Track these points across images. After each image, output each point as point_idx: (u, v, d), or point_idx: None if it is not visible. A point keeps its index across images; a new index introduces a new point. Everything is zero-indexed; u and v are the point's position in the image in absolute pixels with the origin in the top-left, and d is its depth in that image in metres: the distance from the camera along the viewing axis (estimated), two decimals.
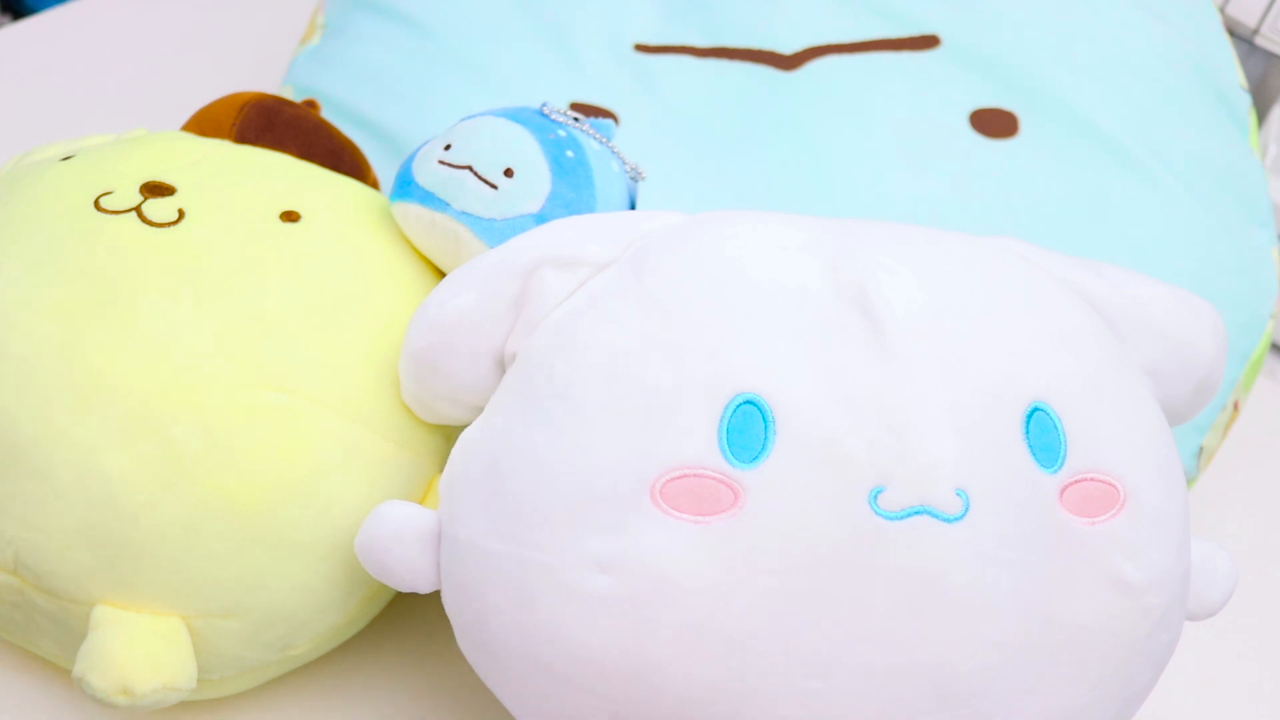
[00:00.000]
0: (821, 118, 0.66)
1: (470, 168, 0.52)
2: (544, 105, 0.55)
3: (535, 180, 0.52)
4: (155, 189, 0.52)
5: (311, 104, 0.60)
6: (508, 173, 0.52)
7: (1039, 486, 0.45)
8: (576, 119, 0.55)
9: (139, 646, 0.47)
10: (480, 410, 0.49)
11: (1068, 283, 0.50)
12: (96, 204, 0.51)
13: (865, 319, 0.45)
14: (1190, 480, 0.64)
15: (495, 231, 0.52)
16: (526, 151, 0.52)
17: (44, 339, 0.48)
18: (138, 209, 0.51)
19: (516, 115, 0.54)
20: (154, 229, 0.51)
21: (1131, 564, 0.46)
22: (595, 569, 0.44)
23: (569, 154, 0.53)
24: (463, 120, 0.54)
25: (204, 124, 0.58)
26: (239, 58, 0.87)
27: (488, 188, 0.52)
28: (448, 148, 0.53)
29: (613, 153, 0.55)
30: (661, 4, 0.71)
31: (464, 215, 0.52)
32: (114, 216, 0.51)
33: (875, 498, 0.43)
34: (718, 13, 0.70)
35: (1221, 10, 0.80)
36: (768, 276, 0.46)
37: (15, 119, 0.82)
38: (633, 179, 0.56)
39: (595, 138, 0.55)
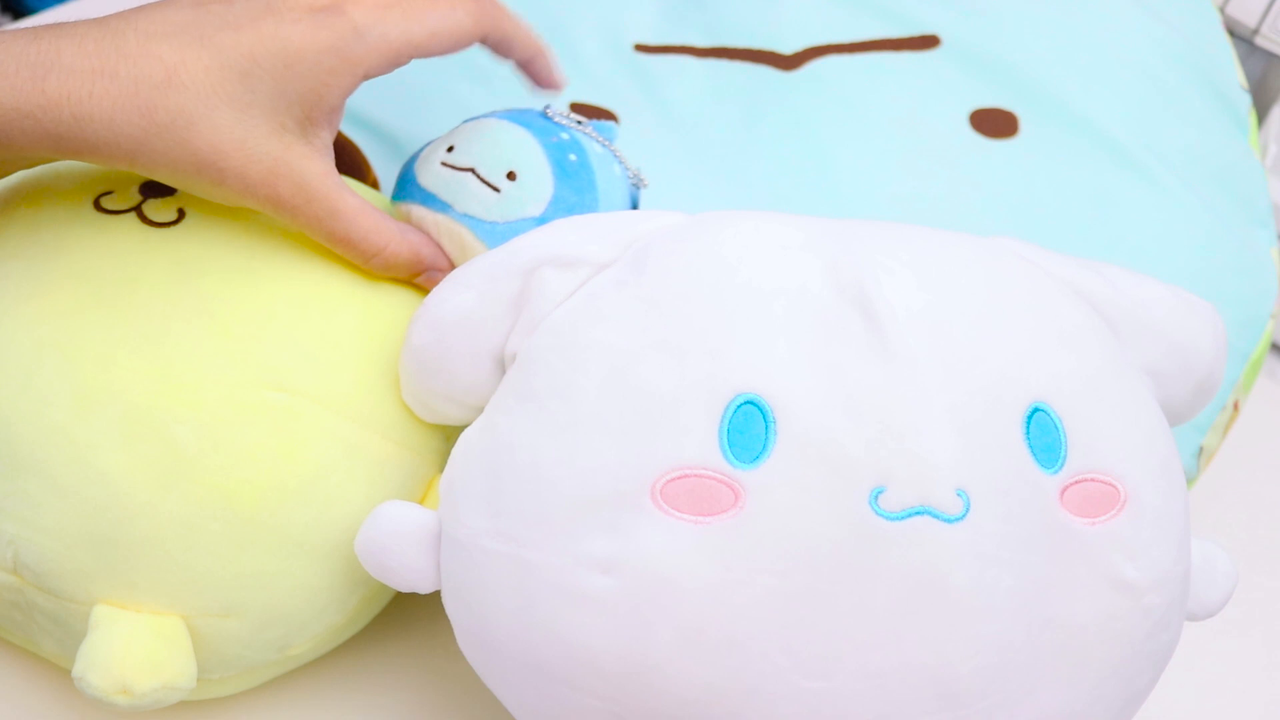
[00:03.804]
0: (821, 118, 0.66)
1: (473, 170, 0.52)
2: (547, 107, 0.55)
3: (538, 184, 0.52)
4: (155, 189, 0.52)
5: None
6: (510, 176, 0.52)
7: (1039, 487, 0.45)
8: (580, 122, 0.55)
9: (139, 646, 0.47)
10: (480, 410, 0.49)
11: (1068, 283, 0.50)
12: (96, 204, 0.51)
13: (865, 319, 0.45)
14: (1190, 480, 0.64)
15: (497, 234, 0.52)
16: (529, 155, 0.52)
17: (44, 339, 0.48)
18: (137, 209, 0.51)
19: (520, 118, 0.54)
20: (154, 229, 0.51)
21: (1132, 564, 0.46)
22: (595, 569, 0.44)
23: (572, 157, 0.53)
24: (466, 121, 0.54)
25: None
26: None
27: (490, 191, 0.52)
28: (450, 149, 0.53)
29: (615, 157, 0.55)
30: (661, 4, 0.71)
31: (466, 217, 0.52)
32: (114, 216, 0.51)
33: (876, 498, 0.43)
34: (718, 13, 0.70)
35: (1221, 10, 0.80)
36: (768, 276, 0.46)
37: None
38: (635, 186, 0.56)
39: (598, 140, 0.54)
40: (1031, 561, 0.44)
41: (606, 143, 0.55)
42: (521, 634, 0.45)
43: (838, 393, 0.44)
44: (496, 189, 0.52)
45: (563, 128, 0.54)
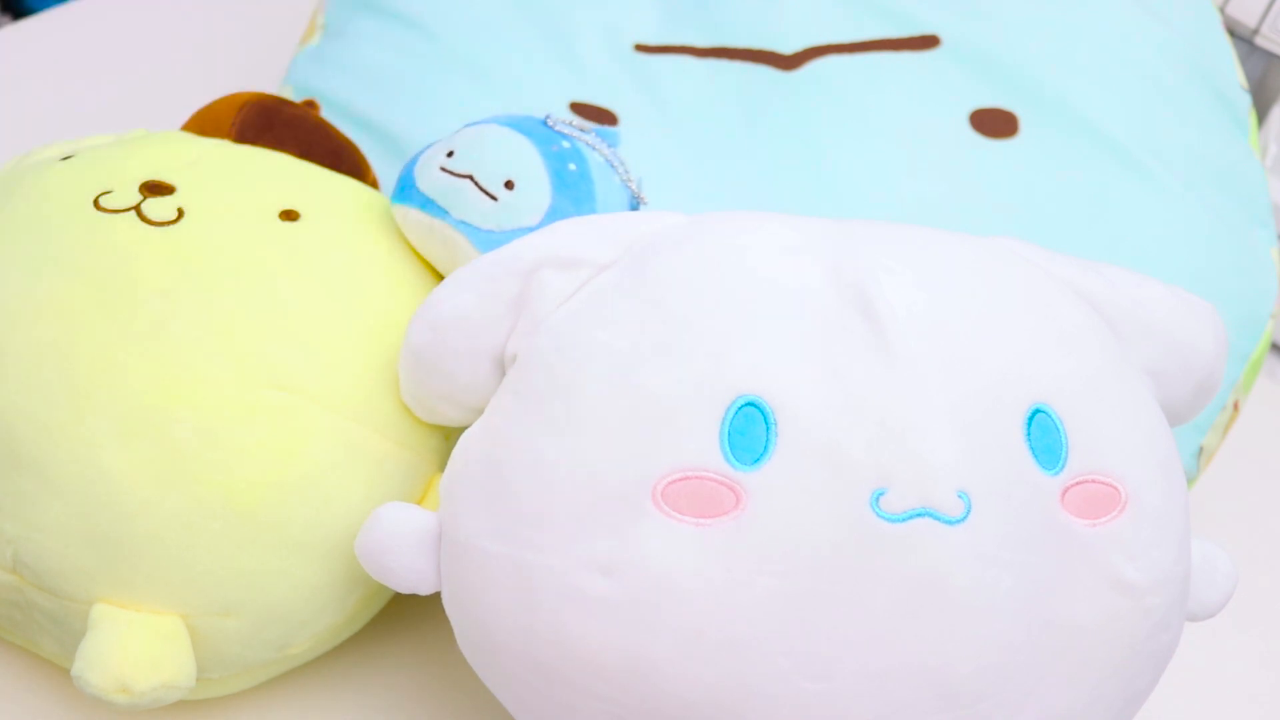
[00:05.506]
0: (821, 118, 0.66)
1: (471, 177, 0.52)
2: (548, 117, 0.54)
3: (535, 194, 0.52)
4: (154, 188, 0.52)
5: (311, 104, 0.60)
6: (508, 185, 0.52)
7: (1040, 488, 0.45)
8: (583, 129, 0.54)
9: (138, 645, 0.47)
10: (479, 412, 0.49)
11: (1068, 283, 0.50)
12: (96, 203, 0.51)
13: (866, 320, 0.45)
14: (1190, 480, 0.64)
15: (492, 243, 0.52)
16: (528, 164, 0.52)
17: (44, 338, 0.48)
18: (137, 208, 0.51)
19: (520, 125, 0.54)
20: (153, 228, 0.51)
21: (1132, 565, 0.46)
22: (596, 571, 0.44)
23: (571, 167, 0.53)
24: (467, 126, 0.54)
25: (204, 124, 0.58)
26: (239, 58, 0.87)
27: (487, 199, 0.52)
28: (450, 154, 0.53)
29: (614, 169, 0.55)
30: (662, 4, 0.71)
31: (462, 224, 0.52)
32: (113, 215, 0.51)
33: (877, 500, 0.43)
34: (718, 12, 0.70)
35: (1221, 10, 0.80)
36: (769, 277, 0.46)
37: (15, 119, 0.82)
38: (634, 200, 0.56)
39: (599, 150, 0.54)
40: (1032, 563, 0.44)
41: (609, 151, 0.55)
42: (522, 635, 0.45)
43: (838, 394, 0.44)
44: (494, 197, 0.52)
45: (564, 136, 0.54)
